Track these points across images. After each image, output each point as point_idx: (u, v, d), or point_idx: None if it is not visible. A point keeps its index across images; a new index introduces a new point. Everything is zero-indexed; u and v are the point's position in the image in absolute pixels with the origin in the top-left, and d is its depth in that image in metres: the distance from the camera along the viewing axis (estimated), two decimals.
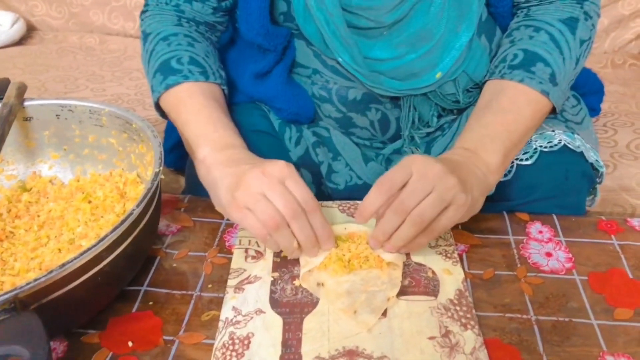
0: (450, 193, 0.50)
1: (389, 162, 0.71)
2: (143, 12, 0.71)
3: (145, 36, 0.69)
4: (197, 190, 0.69)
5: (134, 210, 0.47)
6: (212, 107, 0.61)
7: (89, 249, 0.43)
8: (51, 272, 0.41)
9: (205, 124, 0.59)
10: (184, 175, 0.78)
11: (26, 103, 0.64)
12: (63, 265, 0.41)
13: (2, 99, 0.63)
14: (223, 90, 0.66)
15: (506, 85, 0.60)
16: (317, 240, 0.52)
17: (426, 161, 0.51)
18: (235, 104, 0.72)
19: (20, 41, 1.43)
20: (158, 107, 0.66)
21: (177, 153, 0.84)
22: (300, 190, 0.51)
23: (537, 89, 0.58)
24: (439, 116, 0.70)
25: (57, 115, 0.65)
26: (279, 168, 0.51)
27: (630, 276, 0.54)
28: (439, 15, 0.62)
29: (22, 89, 0.64)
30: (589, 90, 0.82)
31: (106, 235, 0.45)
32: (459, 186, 0.50)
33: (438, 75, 0.64)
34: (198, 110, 0.61)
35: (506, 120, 0.58)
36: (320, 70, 0.68)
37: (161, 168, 0.53)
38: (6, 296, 0.38)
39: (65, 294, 0.43)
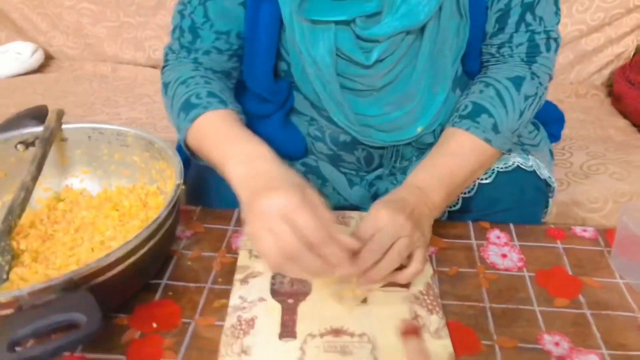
0: (415, 242, 0.58)
1: (372, 186, 0.82)
2: (163, 67, 0.78)
3: (164, 86, 0.74)
4: (195, 199, 0.80)
5: (161, 215, 0.58)
6: (230, 125, 0.65)
7: (127, 243, 0.54)
8: (99, 260, 0.51)
9: (224, 143, 0.63)
10: None
11: (63, 126, 0.75)
12: (108, 255, 0.52)
13: (41, 122, 0.74)
14: (241, 118, 0.70)
15: (456, 132, 0.70)
16: (328, 268, 0.53)
17: (393, 216, 0.57)
18: None
19: (39, 69, 1.54)
20: (188, 147, 0.70)
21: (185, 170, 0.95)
22: (304, 222, 0.51)
23: (481, 137, 0.68)
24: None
25: (89, 136, 0.76)
26: (277, 204, 0.51)
27: (570, 273, 0.65)
28: (419, 79, 0.72)
29: (60, 114, 0.75)
30: (550, 119, 0.94)
31: (140, 233, 0.55)
32: (420, 235, 0.59)
33: (419, 129, 0.76)
34: (215, 132, 0.65)
35: (452, 164, 0.67)
36: (316, 118, 0.79)
37: (182, 180, 0.64)
38: (65, 278, 0.49)
39: (107, 279, 0.53)
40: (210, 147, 0.65)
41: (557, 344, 0.56)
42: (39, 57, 1.53)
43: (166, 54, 0.78)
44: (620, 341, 0.56)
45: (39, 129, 0.73)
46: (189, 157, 0.87)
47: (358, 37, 0.69)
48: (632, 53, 1.41)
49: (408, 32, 0.69)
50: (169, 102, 0.73)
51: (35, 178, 0.68)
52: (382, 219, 0.58)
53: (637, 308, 0.60)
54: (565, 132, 1.03)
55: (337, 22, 0.68)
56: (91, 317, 0.45)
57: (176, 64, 0.76)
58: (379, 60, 0.70)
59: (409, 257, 0.59)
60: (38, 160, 0.69)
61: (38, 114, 0.76)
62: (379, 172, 0.82)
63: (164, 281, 0.65)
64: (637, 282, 0.63)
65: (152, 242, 0.58)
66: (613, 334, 0.57)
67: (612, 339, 0.56)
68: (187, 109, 0.69)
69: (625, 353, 0.55)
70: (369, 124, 0.76)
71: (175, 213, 0.64)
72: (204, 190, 0.81)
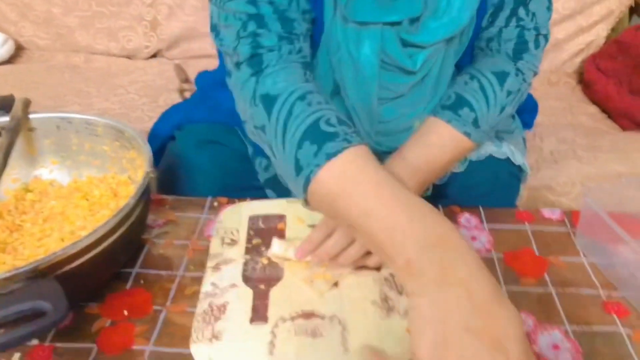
0: None
1: None
2: (259, 70, 0.59)
3: (269, 99, 0.56)
4: (167, 188, 0.79)
5: (129, 202, 0.58)
6: (393, 182, 0.47)
7: (94, 232, 0.53)
8: (65, 248, 0.51)
9: (394, 212, 0.44)
10: None
11: (30, 116, 0.74)
12: (75, 243, 0.52)
13: (8, 112, 0.73)
14: None
15: (436, 123, 0.68)
16: None
17: None
18: (214, 123, 0.82)
19: (10, 60, 1.51)
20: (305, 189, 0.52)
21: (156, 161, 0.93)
22: None
23: (460, 131, 0.67)
24: None
25: (57, 126, 0.75)
26: (513, 345, 0.37)
27: (537, 253, 0.67)
28: (432, 79, 0.73)
29: (27, 103, 0.74)
30: (524, 108, 0.95)
31: (108, 221, 0.55)
32: None
33: (417, 124, 0.74)
34: (377, 189, 0.46)
35: (429, 154, 0.66)
36: None
37: (152, 169, 0.63)
38: (30, 266, 0.49)
39: (74, 268, 0.53)
40: (368, 209, 0.46)
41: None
42: (9, 48, 1.50)
43: (254, 55, 0.60)
44: (583, 317, 0.57)
45: (5, 118, 0.72)
46: (160, 145, 0.87)
47: (403, 42, 0.68)
48: (602, 41, 1.43)
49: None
50: (278, 123, 0.55)
51: (2, 168, 0.67)
52: None
53: (600, 286, 0.62)
54: (538, 119, 1.04)
55: (384, 24, 0.66)
56: (57, 304, 0.45)
57: (281, 65, 0.59)
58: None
59: None
60: (5, 150, 0.68)
61: (4, 104, 0.75)
62: None
63: (135, 270, 0.64)
64: (600, 262, 0.64)
65: (121, 230, 0.58)
66: (577, 310, 0.58)
67: (575, 315, 0.58)
68: (320, 140, 0.50)
69: (588, 328, 0.56)
70: (384, 130, 0.76)
71: (145, 201, 0.64)
72: (176, 179, 0.81)
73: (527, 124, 0.97)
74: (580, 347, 0.54)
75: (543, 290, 0.61)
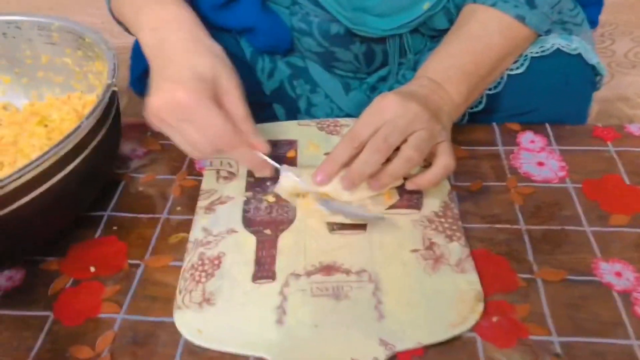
0: (437, 136, 0.46)
1: (373, 90, 0.66)
2: None
3: None
4: None
5: (82, 123, 0.43)
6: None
7: (40, 158, 0.39)
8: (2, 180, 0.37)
9: (139, 3, 0.51)
10: None
11: None
12: (13, 175, 0.37)
13: None
14: None
15: (478, 9, 0.53)
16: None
17: (404, 104, 0.45)
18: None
19: None
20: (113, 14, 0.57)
21: (146, 80, 0.78)
22: (205, 125, 0.44)
23: (511, 14, 0.52)
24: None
25: (3, 33, 0.59)
26: (169, 105, 0.44)
27: (627, 182, 0.51)
28: None
29: None
30: (587, 1, 0.76)
31: (58, 144, 0.40)
32: (441, 129, 0.46)
33: (426, 6, 0.58)
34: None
35: (475, 50, 0.52)
36: (299, 1, 0.61)
37: (114, 80, 0.48)
38: None
39: (18, 209, 0.39)
40: (127, 9, 0.52)
41: (618, 274, 0.42)
42: None
43: None
44: None
45: None
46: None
47: None
48: None
49: None
50: None
51: None
52: (390, 108, 0.44)
53: None
54: (601, 17, 0.85)
55: None
56: None
57: None
58: None
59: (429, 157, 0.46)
60: None
61: None
62: (382, 71, 0.65)
63: (106, 213, 0.51)
64: None
65: (78, 160, 0.44)
66: None
67: None
68: None
69: None
70: (363, 7, 0.59)
71: (113, 123, 0.49)
72: None
73: (592, 21, 0.78)
74: None
75: None
